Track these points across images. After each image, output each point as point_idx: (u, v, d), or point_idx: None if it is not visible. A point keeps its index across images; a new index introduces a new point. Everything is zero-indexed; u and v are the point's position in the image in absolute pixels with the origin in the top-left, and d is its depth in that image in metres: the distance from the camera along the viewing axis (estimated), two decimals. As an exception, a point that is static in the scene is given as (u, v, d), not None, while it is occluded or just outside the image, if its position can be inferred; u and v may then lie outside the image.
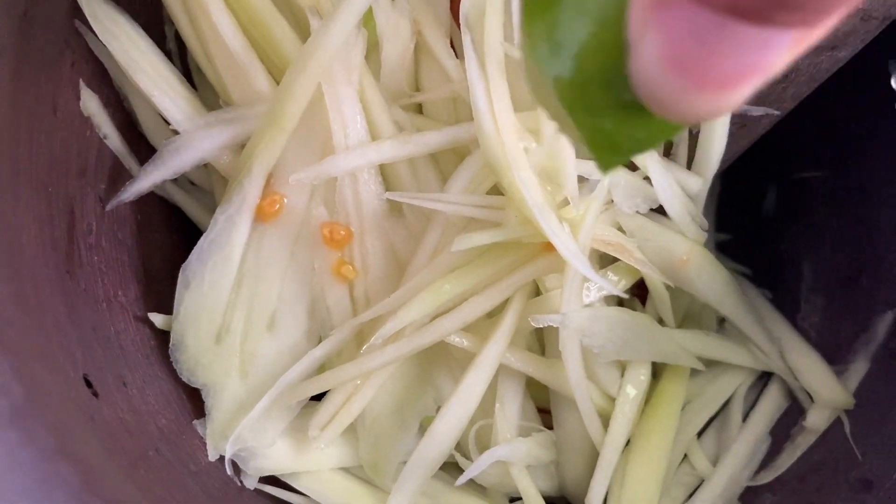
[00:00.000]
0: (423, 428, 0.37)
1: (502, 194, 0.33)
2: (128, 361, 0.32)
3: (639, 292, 0.39)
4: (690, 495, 0.39)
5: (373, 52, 0.36)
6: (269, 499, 0.35)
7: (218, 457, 0.33)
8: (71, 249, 0.31)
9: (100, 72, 0.34)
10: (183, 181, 0.38)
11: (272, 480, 0.35)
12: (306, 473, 0.35)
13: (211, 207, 0.36)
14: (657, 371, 0.40)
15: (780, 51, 0.13)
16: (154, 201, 0.37)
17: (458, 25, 0.34)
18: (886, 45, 0.35)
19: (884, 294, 0.40)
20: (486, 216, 0.33)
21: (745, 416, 0.41)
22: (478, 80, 0.32)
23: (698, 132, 0.34)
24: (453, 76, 0.35)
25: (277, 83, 0.34)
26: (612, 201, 0.35)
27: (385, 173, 0.36)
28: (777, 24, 0.13)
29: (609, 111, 0.18)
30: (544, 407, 0.39)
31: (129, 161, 0.35)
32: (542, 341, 0.38)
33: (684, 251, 0.36)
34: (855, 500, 0.35)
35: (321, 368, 0.35)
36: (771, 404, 0.41)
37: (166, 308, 0.34)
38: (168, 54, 0.37)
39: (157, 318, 0.34)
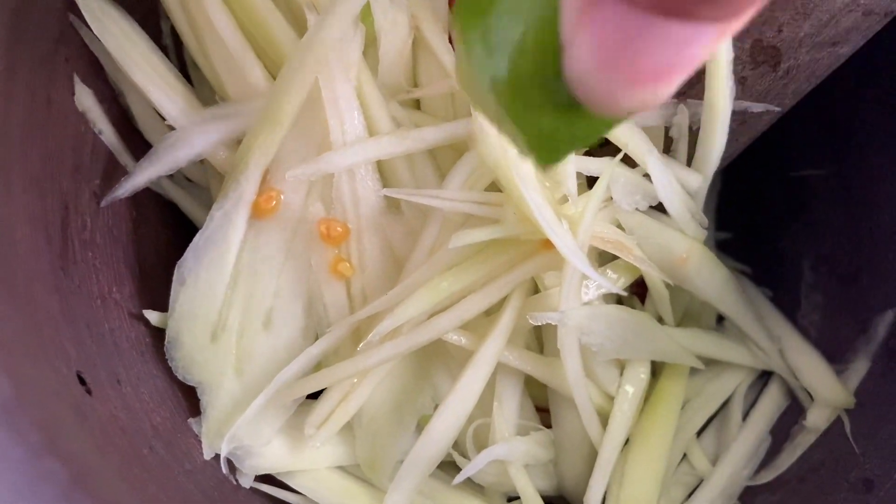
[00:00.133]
0: (420, 427, 0.37)
1: (500, 191, 0.33)
2: (122, 359, 0.32)
3: (638, 290, 0.39)
4: (690, 495, 0.39)
5: (370, 47, 0.36)
6: (265, 497, 0.35)
7: (213, 455, 0.33)
8: (65, 246, 0.31)
9: (95, 67, 0.34)
10: (179, 177, 0.38)
11: (268, 479, 0.35)
12: (303, 472, 0.35)
13: (207, 204, 0.36)
14: (656, 370, 0.39)
15: (705, 44, 0.14)
16: (150, 197, 0.37)
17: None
18: (888, 42, 0.35)
19: (884, 293, 0.40)
20: (484, 213, 0.33)
21: (745, 416, 0.41)
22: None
23: (698, 129, 0.34)
24: (451, 72, 0.35)
25: (274, 79, 0.34)
26: (612, 198, 0.35)
27: (382, 170, 0.35)
28: (700, 19, 0.13)
29: (546, 110, 0.19)
30: (543, 406, 0.39)
31: (124, 157, 0.35)
32: (540, 339, 0.37)
33: (684, 249, 0.36)
34: (855, 499, 0.35)
35: (318, 366, 0.35)
36: (771, 403, 0.41)
37: (161, 305, 0.34)
38: (164, 49, 0.37)
39: (153, 316, 0.34)
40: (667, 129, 0.35)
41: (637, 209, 0.35)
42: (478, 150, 0.33)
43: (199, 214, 0.38)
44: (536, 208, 0.30)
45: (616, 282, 0.36)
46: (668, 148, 0.36)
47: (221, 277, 0.34)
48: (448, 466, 0.36)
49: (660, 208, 0.36)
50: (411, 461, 0.34)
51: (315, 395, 0.35)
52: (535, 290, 0.35)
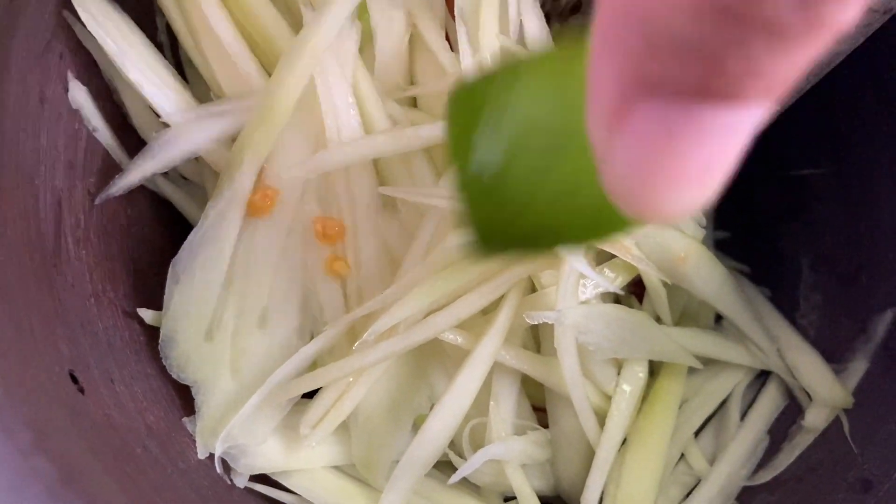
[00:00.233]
0: (416, 426, 0.36)
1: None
2: (116, 357, 0.31)
3: (636, 289, 0.39)
4: (687, 495, 0.39)
5: (367, 44, 0.35)
6: (260, 497, 0.34)
7: (207, 454, 0.33)
8: (58, 244, 0.30)
9: (89, 63, 0.34)
10: (174, 175, 0.38)
11: (263, 479, 0.34)
12: (298, 472, 0.35)
13: (202, 202, 0.36)
14: (654, 369, 0.39)
15: (752, 125, 0.12)
16: (144, 195, 0.37)
17: (454, 18, 0.34)
18: (889, 40, 0.35)
19: (883, 292, 0.40)
20: (480, 211, 0.33)
21: (743, 415, 0.41)
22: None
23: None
24: (448, 69, 0.35)
25: (270, 76, 0.34)
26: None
27: (379, 168, 0.35)
28: (748, 98, 0.12)
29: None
30: (540, 405, 0.38)
31: (119, 154, 0.35)
32: (537, 339, 0.37)
33: (682, 248, 0.36)
34: (854, 500, 0.34)
35: (313, 365, 0.35)
36: (769, 403, 0.41)
37: (156, 304, 0.34)
38: (159, 46, 0.36)
39: (147, 314, 0.34)
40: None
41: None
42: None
43: (195, 212, 0.37)
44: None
45: (613, 281, 0.36)
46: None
47: (216, 276, 0.33)
48: (444, 466, 0.36)
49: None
50: (407, 461, 0.34)
51: (310, 395, 0.35)
52: (532, 288, 0.35)
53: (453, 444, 0.35)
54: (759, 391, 0.41)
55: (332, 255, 0.34)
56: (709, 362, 0.40)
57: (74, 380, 0.27)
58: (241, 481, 0.34)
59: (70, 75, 0.32)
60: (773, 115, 0.34)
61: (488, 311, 0.35)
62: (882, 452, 0.35)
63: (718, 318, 0.42)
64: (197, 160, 0.36)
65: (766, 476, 0.39)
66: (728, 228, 0.47)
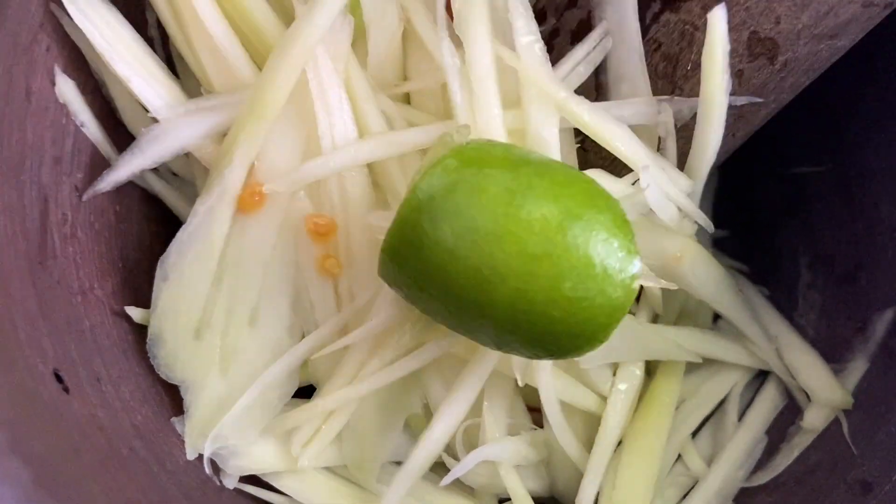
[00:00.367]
0: (408, 425, 0.36)
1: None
2: (103, 356, 0.31)
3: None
4: (684, 496, 0.38)
5: (360, 39, 0.35)
6: (250, 499, 0.34)
7: (196, 455, 0.32)
8: (44, 240, 0.30)
9: (77, 57, 0.33)
10: (164, 171, 0.37)
11: (252, 480, 0.34)
12: (288, 473, 0.34)
13: (192, 198, 0.35)
14: (651, 368, 0.39)
15: None
16: (134, 191, 0.36)
17: (449, 13, 0.34)
18: (888, 38, 0.34)
19: (883, 291, 0.39)
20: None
21: (741, 416, 0.40)
22: (455, 76, 0.31)
23: (692, 124, 0.33)
24: (442, 66, 0.34)
25: (261, 70, 0.33)
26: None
27: (372, 165, 0.35)
28: None
29: None
30: (535, 405, 0.38)
31: (107, 150, 0.34)
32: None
33: (677, 248, 0.35)
34: (853, 501, 0.34)
35: (304, 364, 0.34)
36: (767, 403, 0.40)
37: (145, 302, 0.33)
38: (150, 41, 0.36)
39: (135, 312, 0.33)
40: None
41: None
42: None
43: (185, 209, 0.37)
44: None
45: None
46: (657, 145, 0.35)
47: (205, 273, 0.33)
48: (437, 467, 0.35)
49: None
50: (410, 468, 0.33)
51: (301, 393, 0.35)
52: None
53: (447, 445, 0.35)
54: (757, 391, 0.41)
55: (323, 253, 0.34)
56: (706, 362, 0.40)
57: (59, 379, 0.27)
58: (230, 482, 0.33)
59: (57, 69, 0.32)
60: (773, 114, 0.34)
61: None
62: (882, 453, 0.35)
63: (717, 316, 0.41)
64: (187, 156, 0.35)
65: (764, 477, 0.38)
66: (727, 227, 0.46)
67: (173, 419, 0.33)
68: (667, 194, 0.33)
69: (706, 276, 0.37)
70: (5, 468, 0.18)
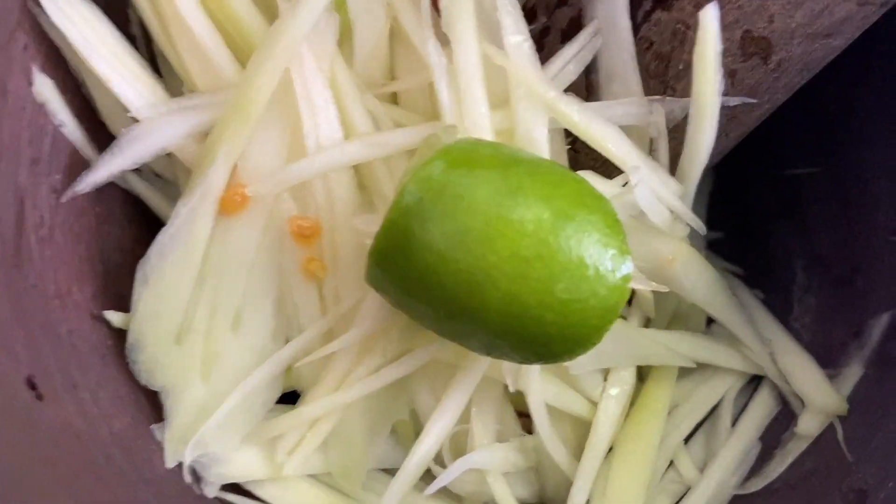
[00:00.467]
0: (394, 431, 0.35)
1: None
2: (80, 362, 0.30)
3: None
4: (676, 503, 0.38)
5: (346, 38, 0.34)
6: (232, 507, 0.33)
7: (176, 463, 0.32)
8: (19, 243, 0.29)
9: (55, 56, 0.32)
10: (146, 171, 0.36)
11: (234, 488, 0.33)
12: (271, 481, 0.33)
13: (175, 199, 0.34)
14: (643, 373, 0.38)
15: None
16: (115, 192, 0.35)
17: (437, 9, 0.33)
18: (884, 37, 0.34)
19: (879, 295, 0.39)
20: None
21: (735, 421, 0.40)
22: (442, 75, 0.30)
23: (684, 125, 0.33)
24: (430, 65, 0.33)
25: (245, 69, 0.33)
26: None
27: (358, 166, 0.34)
28: None
29: None
30: (525, 410, 0.37)
31: (88, 150, 0.34)
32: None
33: (670, 250, 0.34)
34: (848, 510, 0.33)
35: (288, 369, 0.33)
36: (761, 409, 0.40)
37: (126, 305, 0.33)
38: (132, 39, 0.35)
39: (114, 317, 0.33)
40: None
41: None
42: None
43: (167, 210, 0.36)
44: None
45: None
46: (649, 146, 0.34)
47: (187, 276, 0.32)
48: (424, 474, 0.35)
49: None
50: (402, 479, 0.33)
51: (285, 399, 0.34)
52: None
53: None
54: (751, 396, 0.40)
55: (308, 256, 0.33)
56: (700, 366, 0.39)
57: (32, 386, 0.26)
58: (211, 491, 0.32)
59: (35, 68, 0.31)
60: (767, 114, 0.33)
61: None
62: (877, 461, 0.34)
63: (710, 320, 0.41)
64: (169, 156, 0.35)
65: (757, 484, 0.37)
66: (721, 228, 0.46)
67: (153, 426, 0.32)
68: (658, 196, 0.33)
69: (698, 279, 0.36)
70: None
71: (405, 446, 0.36)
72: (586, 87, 0.34)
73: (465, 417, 0.34)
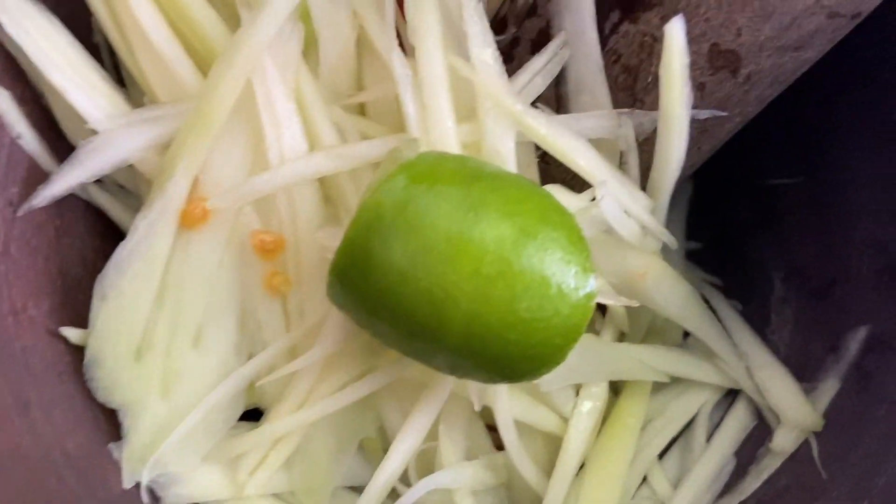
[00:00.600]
0: (361, 447, 0.35)
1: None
2: (35, 381, 0.29)
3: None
4: (650, 520, 0.37)
5: (311, 47, 0.34)
6: (191, 528, 0.33)
7: (134, 483, 0.31)
8: (-30, 258, 0.28)
9: (13, 66, 0.32)
10: (109, 183, 0.36)
11: (194, 508, 0.33)
12: (232, 501, 0.33)
13: (138, 210, 0.34)
14: (617, 387, 0.38)
15: None
16: (76, 204, 0.35)
17: (404, 16, 0.32)
18: (862, 47, 0.33)
19: (857, 308, 0.38)
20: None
21: (710, 436, 0.39)
22: (406, 87, 0.30)
23: (654, 137, 0.32)
24: (398, 74, 0.33)
25: (207, 79, 0.32)
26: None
27: (323, 178, 0.33)
28: None
29: None
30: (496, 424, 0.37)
31: (47, 162, 0.33)
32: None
33: (641, 265, 0.34)
34: (822, 528, 0.33)
35: (251, 386, 0.33)
36: (737, 424, 0.39)
37: (87, 321, 0.32)
38: (95, 47, 0.35)
39: (71, 333, 0.32)
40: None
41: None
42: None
43: (130, 222, 0.34)
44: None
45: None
46: (619, 159, 0.34)
47: (147, 292, 0.31)
48: (392, 493, 0.34)
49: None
50: (368, 500, 0.32)
51: (248, 416, 0.33)
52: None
53: (400, 471, 0.34)
54: (726, 411, 0.40)
55: (271, 271, 0.33)
56: (675, 380, 0.38)
57: (-21, 407, 0.25)
58: (170, 511, 0.32)
59: (-11, 79, 0.30)
60: (739, 126, 0.33)
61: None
62: (853, 479, 0.33)
63: (687, 332, 0.40)
64: (132, 167, 0.34)
65: (731, 501, 0.37)
66: (700, 238, 0.46)
67: (110, 444, 0.31)
68: (627, 210, 0.32)
69: (671, 293, 0.35)
70: None
71: (373, 463, 0.35)
72: (556, 98, 0.34)
73: (434, 434, 0.34)
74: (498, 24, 0.36)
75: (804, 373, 0.38)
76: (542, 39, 0.33)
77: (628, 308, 0.36)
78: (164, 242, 0.32)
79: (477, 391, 0.32)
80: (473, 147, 0.32)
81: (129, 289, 0.31)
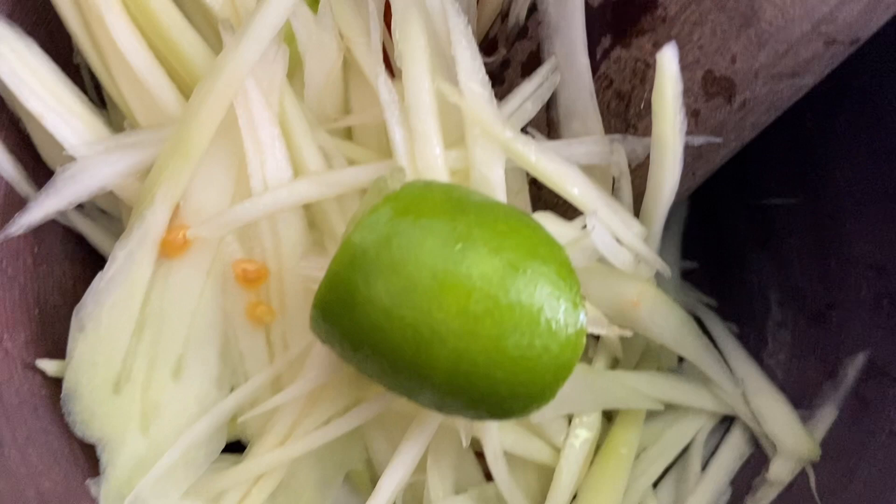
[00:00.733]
0: (348, 478, 0.34)
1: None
2: (9, 417, 0.29)
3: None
4: (644, 551, 0.36)
5: (297, 70, 0.33)
6: (171, 566, 0.32)
7: (113, 521, 0.30)
8: (-59, 291, 0.28)
9: (-12, 91, 0.31)
10: (90, 207, 0.35)
11: (174, 546, 0.32)
12: (214, 537, 0.32)
13: (119, 236, 0.33)
14: (611, 414, 0.37)
15: None
16: (55, 230, 0.34)
17: (391, 35, 0.31)
18: (861, 67, 0.32)
19: (855, 333, 0.37)
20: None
21: (705, 464, 0.38)
22: (393, 113, 0.29)
23: (648, 163, 0.31)
24: (385, 98, 0.32)
25: (189, 104, 0.31)
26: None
27: (308, 204, 0.32)
28: None
29: None
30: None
31: (25, 188, 0.32)
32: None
33: (635, 293, 0.33)
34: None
35: (233, 419, 0.32)
36: (732, 452, 0.38)
37: (65, 351, 0.31)
38: (76, 69, 0.34)
39: (49, 365, 0.31)
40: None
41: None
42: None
43: (111, 248, 0.34)
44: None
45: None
46: (612, 186, 0.33)
47: (126, 323, 0.31)
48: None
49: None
50: None
51: (230, 449, 0.33)
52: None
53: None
54: (722, 438, 0.39)
55: (254, 300, 0.32)
56: (669, 406, 0.38)
57: (-53, 449, 0.25)
58: (149, 549, 0.31)
59: (-37, 104, 0.30)
60: (735, 151, 0.32)
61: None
62: (850, 510, 0.33)
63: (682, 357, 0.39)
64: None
65: (728, 533, 0.36)
66: (696, 258, 0.45)
67: (89, 481, 0.30)
68: (619, 238, 0.31)
69: (665, 320, 0.35)
70: None
71: (361, 493, 0.34)
72: (547, 122, 0.33)
73: (423, 467, 0.33)
74: (488, 45, 0.35)
75: (801, 399, 0.38)
76: (532, 62, 0.32)
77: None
78: (144, 272, 0.31)
79: (465, 425, 0.31)
80: (462, 174, 0.31)
81: (107, 320, 0.30)
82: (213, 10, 0.32)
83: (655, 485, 0.38)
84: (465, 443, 0.31)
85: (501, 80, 0.34)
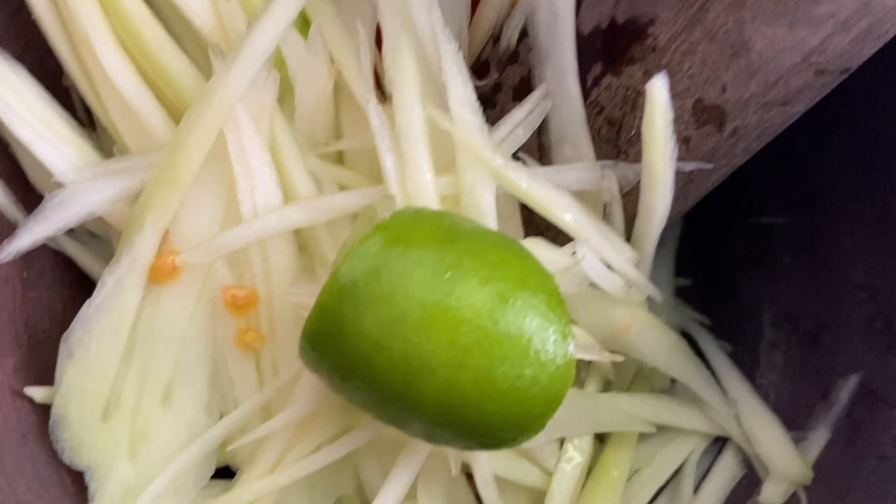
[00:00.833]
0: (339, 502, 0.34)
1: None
2: (-3, 447, 0.28)
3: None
4: (635, 575, 0.36)
5: (287, 95, 0.33)
6: None
7: (100, 550, 0.30)
8: (-72, 319, 0.27)
9: (-24, 116, 0.31)
10: (80, 231, 0.35)
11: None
12: (203, 565, 0.32)
13: (110, 260, 0.33)
14: (603, 436, 0.37)
15: None
16: (45, 255, 0.34)
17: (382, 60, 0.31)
18: (855, 87, 0.32)
19: (847, 356, 0.37)
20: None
21: (697, 486, 0.38)
22: (384, 139, 0.29)
23: (639, 188, 0.31)
24: (375, 123, 0.32)
25: (179, 130, 0.31)
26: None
27: (299, 231, 0.32)
28: None
29: None
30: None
31: (14, 214, 0.32)
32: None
33: (626, 317, 0.33)
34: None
35: (222, 446, 0.32)
36: (725, 473, 0.38)
37: (53, 376, 0.31)
38: (66, 91, 0.34)
39: (37, 392, 0.31)
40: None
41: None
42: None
43: (101, 272, 0.34)
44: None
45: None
46: (603, 211, 0.33)
47: (114, 349, 0.30)
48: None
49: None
50: None
51: (220, 474, 0.32)
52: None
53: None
54: (714, 459, 0.39)
55: (244, 327, 0.32)
56: (662, 427, 0.38)
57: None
58: (137, 578, 0.31)
59: (-49, 131, 0.29)
60: (726, 176, 0.32)
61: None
62: (842, 536, 0.33)
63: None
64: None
65: (719, 556, 0.36)
66: (690, 275, 0.45)
67: (77, 509, 0.30)
68: (610, 265, 0.31)
69: (657, 344, 0.35)
70: None
71: (352, 520, 0.34)
72: (538, 147, 0.33)
73: (414, 492, 0.33)
74: (480, 67, 0.35)
75: (794, 420, 0.38)
76: (523, 87, 0.32)
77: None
78: (133, 298, 0.31)
79: (455, 453, 0.31)
80: (452, 199, 0.31)
81: (96, 346, 0.30)
82: (203, 34, 0.32)
83: (648, 507, 0.38)
84: (455, 472, 0.30)
85: (493, 104, 0.34)
